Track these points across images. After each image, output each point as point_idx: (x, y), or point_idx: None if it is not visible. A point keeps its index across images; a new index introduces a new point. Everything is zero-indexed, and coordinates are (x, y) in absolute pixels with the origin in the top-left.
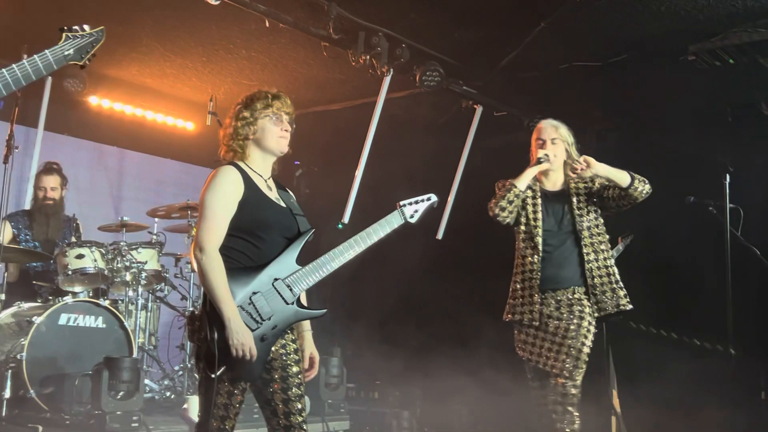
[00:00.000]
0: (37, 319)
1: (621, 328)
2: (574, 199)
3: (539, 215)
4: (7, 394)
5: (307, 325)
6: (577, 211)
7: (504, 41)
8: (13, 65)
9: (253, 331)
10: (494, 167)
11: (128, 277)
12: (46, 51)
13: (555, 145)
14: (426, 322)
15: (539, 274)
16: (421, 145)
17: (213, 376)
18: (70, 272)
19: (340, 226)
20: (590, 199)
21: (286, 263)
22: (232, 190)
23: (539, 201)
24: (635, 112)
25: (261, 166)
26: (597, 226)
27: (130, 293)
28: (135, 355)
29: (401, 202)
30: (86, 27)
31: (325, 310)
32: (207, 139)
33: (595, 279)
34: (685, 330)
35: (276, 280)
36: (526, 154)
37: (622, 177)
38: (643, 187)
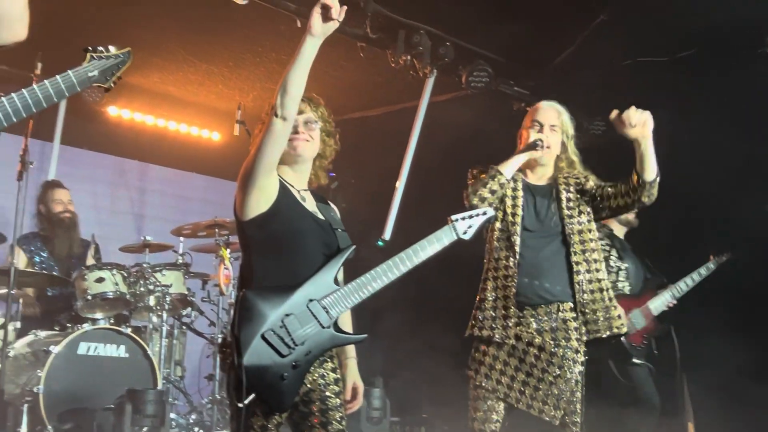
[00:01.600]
0: (55, 349)
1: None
2: (564, 196)
3: (519, 210)
4: (24, 430)
5: (351, 351)
6: (566, 211)
7: (559, 36)
8: (34, 86)
9: (284, 357)
10: None
11: (152, 302)
12: (69, 72)
13: (554, 133)
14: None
15: (515, 281)
16: (469, 153)
17: (240, 405)
18: (89, 297)
19: (380, 243)
20: (582, 199)
21: (323, 283)
22: (273, 178)
23: (520, 194)
24: (708, 111)
25: (291, 176)
26: (589, 231)
27: (154, 319)
28: (160, 386)
29: (453, 217)
30: (112, 48)
31: (365, 336)
32: (234, 150)
33: (585, 295)
34: None
35: (311, 301)
36: (585, 159)
37: (653, 165)
38: (656, 190)
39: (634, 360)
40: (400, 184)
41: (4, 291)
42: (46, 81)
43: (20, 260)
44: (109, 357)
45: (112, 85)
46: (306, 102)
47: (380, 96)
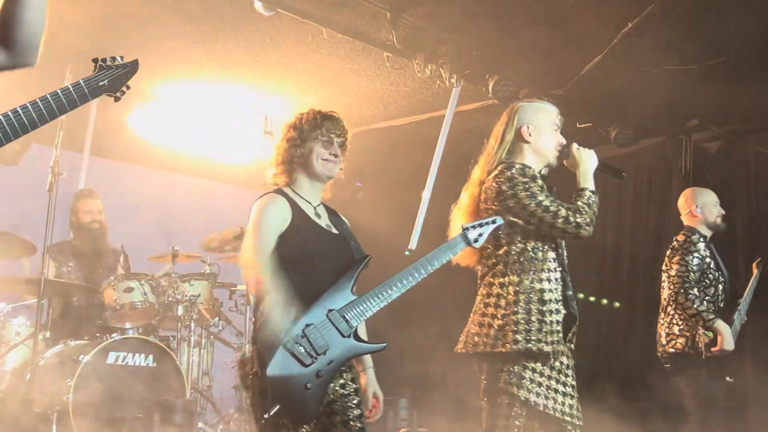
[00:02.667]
0: (84, 358)
1: None
2: None
3: None
4: None
5: (368, 361)
6: None
7: (586, 45)
8: (47, 95)
9: (307, 366)
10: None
11: (180, 312)
12: (80, 81)
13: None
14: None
15: (559, 294)
16: None
17: (265, 416)
18: (118, 307)
19: (407, 253)
20: None
21: (341, 293)
22: (279, 220)
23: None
24: (739, 119)
25: (309, 191)
26: None
27: (183, 329)
28: (188, 396)
29: (464, 225)
30: (119, 58)
31: (384, 344)
32: (262, 161)
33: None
34: None
35: (330, 311)
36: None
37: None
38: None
39: (728, 379)
40: (427, 194)
41: (34, 301)
42: (58, 90)
43: (49, 270)
44: (137, 366)
45: (120, 95)
46: (339, 123)
47: (407, 106)
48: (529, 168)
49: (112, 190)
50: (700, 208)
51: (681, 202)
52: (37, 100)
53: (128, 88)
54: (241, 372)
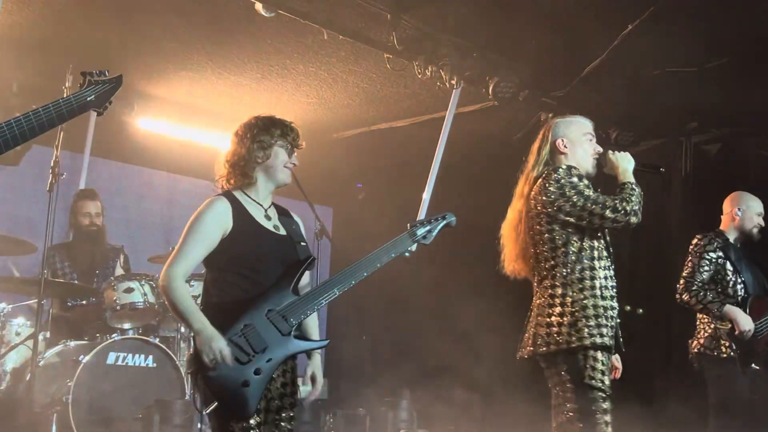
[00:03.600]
0: (84, 359)
1: None
2: None
3: None
4: None
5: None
6: None
7: (586, 46)
8: (39, 108)
9: (244, 364)
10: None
11: None
12: (70, 96)
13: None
14: (509, 362)
15: (614, 291)
16: (496, 163)
17: (204, 412)
18: (118, 307)
19: (407, 254)
20: None
21: (281, 293)
22: (213, 228)
23: None
24: (738, 121)
25: (263, 194)
26: None
27: (183, 329)
28: (187, 396)
29: (411, 222)
30: (107, 72)
31: (327, 342)
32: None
33: None
34: None
35: (270, 311)
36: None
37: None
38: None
39: (754, 365)
40: (427, 195)
41: (32, 301)
42: (50, 104)
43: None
44: (137, 367)
45: (103, 111)
46: (299, 135)
47: (407, 107)
48: (575, 168)
49: (113, 191)
50: (742, 212)
51: (726, 202)
52: (29, 113)
53: (111, 103)
54: (189, 371)
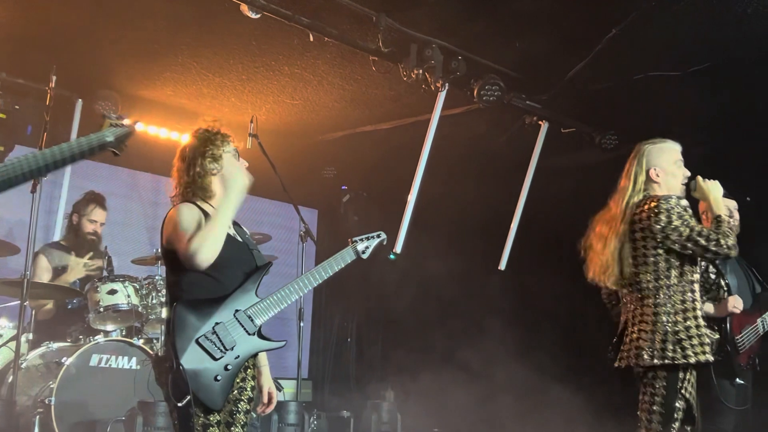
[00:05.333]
0: (67, 361)
1: None
2: None
3: None
4: None
5: (264, 359)
6: None
7: (571, 51)
8: (54, 148)
9: (217, 360)
10: (563, 189)
11: (164, 314)
12: (91, 135)
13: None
14: (492, 364)
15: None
16: (481, 166)
17: (180, 405)
18: (101, 309)
19: (392, 256)
20: None
21: (246, 296)
22: (196, 222)
23: None
24: (721, 125)
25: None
26: None
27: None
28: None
29: (353, 238)
30: (126, 119)
31: (285, 342)
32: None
33: None
34: None
35: (237, 311)
36: (597, 175)
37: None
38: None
39: (738, 380)
40: (412, 197)
41: (17, 303)
42: (65, 144)
43: (44, 269)
44: (120, 369)
45: (120, 152)
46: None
47: (392, 109)
48: (682, 199)
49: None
50: None
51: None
52: (54, 148)
53: (126, 146)
54: (158, 370)
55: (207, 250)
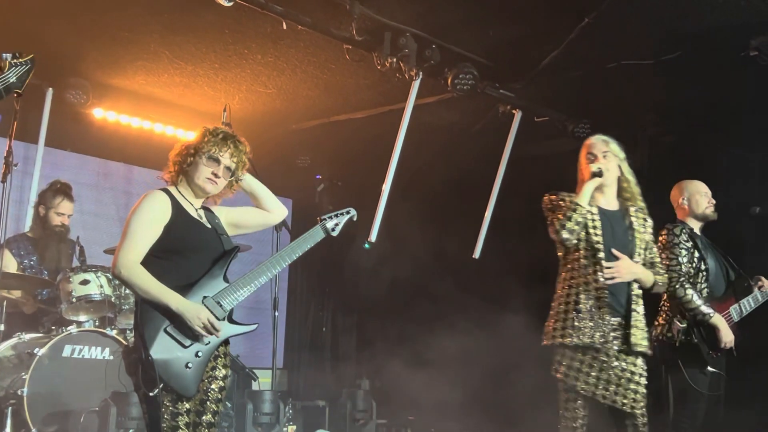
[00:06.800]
0: (39, 351)
1: None
2: (638, 235)
3: (599, 234)
4: None
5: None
6: (639, 243)
7: (544, 39)
8: None
9: (187, 347)
10: (536, 178)
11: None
12: None
13: (607, 160)
14: (467, 350)
15: (605, 293)
16: (455, 155)
17: (151, 394)
18: (74, 299)
19: (366, 245)
20: (646, 249)
21: (214, 281)
22: (157, 216)
23: (598, 219)
24: (692, 114)
25: (192, 196)
26: (646, 264)
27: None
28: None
29: (321, 217)
30: (17, 54)
31: (256, 325)
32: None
33: (636, 307)
34: None
35: (205, 297)
36: (571, 163)
37: (645, 283)
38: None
39: (709, 368)
40: (386, 186)
41: None
42: None
43: (10, 264)
44: (93, 359)
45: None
46: (241, 148)
47: (366, 98)
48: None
49: (68, 181)
50: (687, 199)
51: (672, 195)
52: None
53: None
54: (127, 360)
55: (126, 281)
